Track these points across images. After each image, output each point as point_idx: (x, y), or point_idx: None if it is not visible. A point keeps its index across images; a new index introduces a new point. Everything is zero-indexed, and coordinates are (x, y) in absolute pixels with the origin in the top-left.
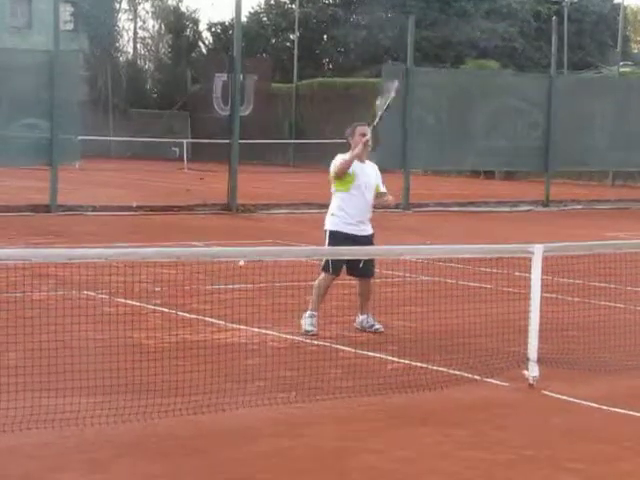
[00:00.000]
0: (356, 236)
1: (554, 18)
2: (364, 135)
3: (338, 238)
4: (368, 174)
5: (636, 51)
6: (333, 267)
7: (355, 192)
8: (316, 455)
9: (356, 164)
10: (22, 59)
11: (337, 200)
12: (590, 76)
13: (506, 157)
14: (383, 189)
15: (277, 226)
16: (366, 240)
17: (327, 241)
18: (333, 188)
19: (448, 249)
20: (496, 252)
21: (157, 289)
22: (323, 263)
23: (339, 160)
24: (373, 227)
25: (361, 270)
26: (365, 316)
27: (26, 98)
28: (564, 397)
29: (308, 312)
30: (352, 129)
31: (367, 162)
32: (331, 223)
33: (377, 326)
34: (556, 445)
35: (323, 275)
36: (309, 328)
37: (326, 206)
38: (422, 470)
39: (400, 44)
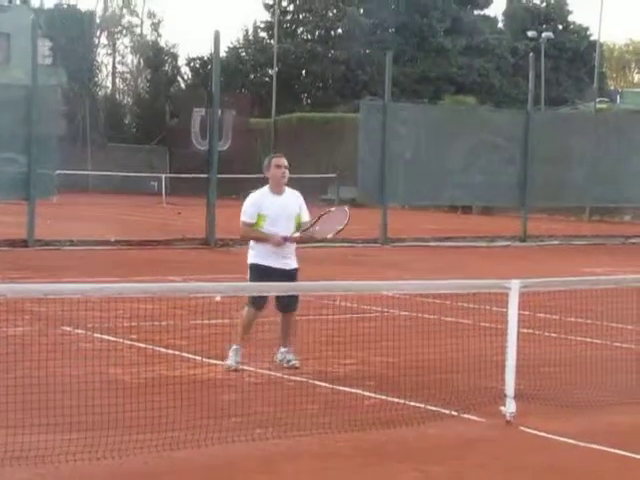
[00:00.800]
0: (277, 269)
1: (531, 54)
2: (279, 167)
3: (258, 271)
4: (285, 205)
5: (612, 88)
6: (259, 301)
7: (270, 228)
8: None
9: (270, 199)
10: (0, 93)
11: None
12: (567, 112)
13: (483, 192)
14: (306, 218)
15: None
16: (288, 274)
17: (249, 275)
18: None
19: (426, 284)
20: (473, 287)
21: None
22: (249, 297)
23: (252, 202)
24: (298, 261)
25: (285, 304)
26: (285, 349)
27: (3, 133)
28: (542, 433)
29: (234, 346)
30: (268, 161)
31: (287, 191)
32: (254, 256)
33: (293, 361)
34: None
35: (247, 309)
36: (232, 363)
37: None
38: None
39: (378, 79)
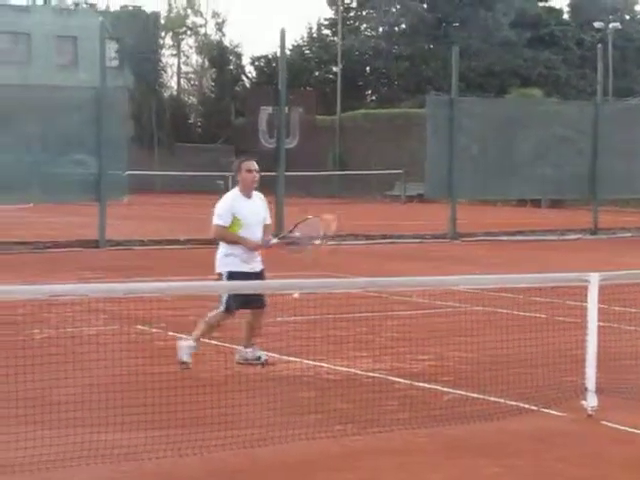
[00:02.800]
0: (251, 273)
1: (599, 45)
2: (250, 171)
3: (236, 278)
4: (255, 211)
5: None
6: (236, 305)
7: (244, 233)
8: None
9: (241, 203)
10: (69, 96)
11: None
12: (636, 103)
13: (552, 185)
14: (268, 221)
15: (325, 258)
16: (259, 276)
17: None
18: None
19: (504, 279)
20: (552, 281)
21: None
22: (225, 303)
23: (225, 206)
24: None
25: (259, 301)
26: (249, 350)
27: (73, 135)
28: (624, 427)
29: (191, 342)
30: (238, 164)
31: (254, 195)
32: (227, 264)
33: (264, 357)
34: (620, 476)
35: (221, 313)
36: (186, 359)
37: (372, 237)
38: None
39: (443, 74)
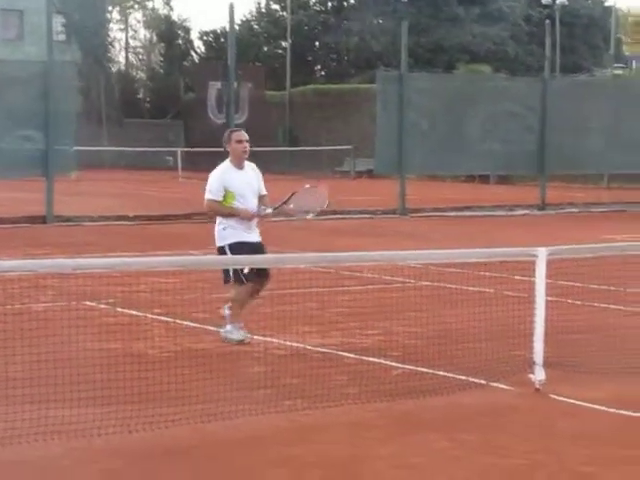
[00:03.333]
0: (251, 243)
1: (547, 21)
2: (240, 142)
3: (241, 248)
4: (248, 181)
5: (628, 53)
6: (248, 277)
7: (238, 204)
8: (327, 462)
9: (232, 174)
10: (16, 70)
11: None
12: (584, 79)
13: (501, 161)
14: (264, 192)
15: (276, 233)
16: (260, 246)
17: (228, 254)
18: None
19: (453, 254)
20: (500, 255)
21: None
22: (234, 277)
23: (216, 179)
24: (260, 234)
25: (264, 272)
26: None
27: (20, 110)
28: (571, 400)
29: (229, 326)
30: (228, 135)
31: (247, 166)
32: (227, 236)
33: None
34: (568, 449)
35: (239, 287)
36: (241, 337)
37: (322, 213)
38: (434, 476)
39: (392, 50)
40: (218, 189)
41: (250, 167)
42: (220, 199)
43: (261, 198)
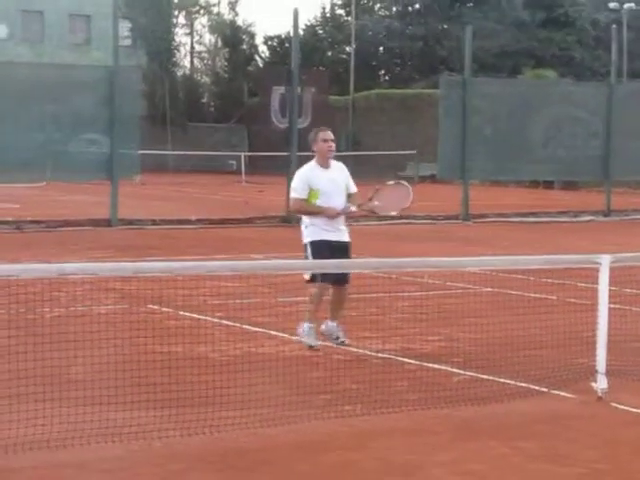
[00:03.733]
0: (335, 242)
1: (613, 26)
2: (326, 141)
3: (321, 247)
4: (333, 179)
5: None
6: (322, 275)
7: (324, 203)
8: (384, 468)
9: (318, 173)
10: (82, 75)
11: None
12: None
13: (566, 166)
14: (353, 189)
15: None
16: (344, 246)
17: (310, 253)
18: None
19: (516, 260)
20: (563, 262)
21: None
22: (308, 275)
23: (301, 178)
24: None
25: (339, 276)
26: (334, 324)
27: (86, 114)
28: (634, 409)
29: (306, 325)
30: (315, 134)
31: (332, 164)
32: (309, 234)
33: (342, 339)
34: (630, 458)
35: (314, 286)
36: (313, 343)
37: (385, 218)
38: None
39: (456, 55)
40: (303, 187)
41: (337, 166)
42: (305, 197)
43: (351, 196)
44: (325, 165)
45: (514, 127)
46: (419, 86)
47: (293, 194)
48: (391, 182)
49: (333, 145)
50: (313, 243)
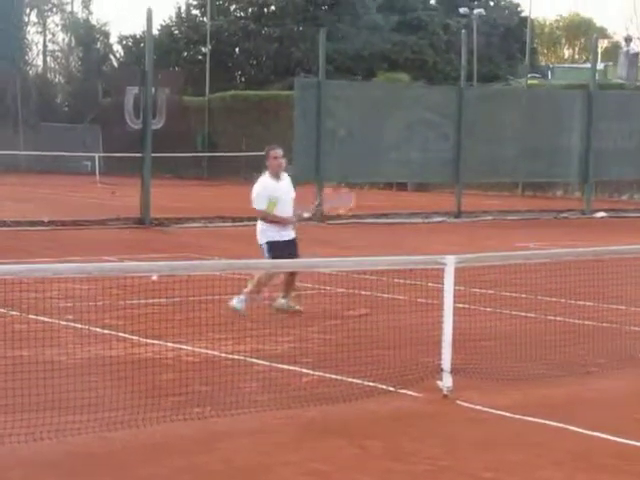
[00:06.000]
0: (289, 240)
1: (463, 31)
2: (277, 158)
3: (278, 246)
4: (286, 190)
5: (543, 63)
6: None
7: (279, 210)
8: (232, 470)
9: (274, 186)
10: None
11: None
12: (499, 88)
13: (418, 169)
14: (294, 195)
15: (191, 240)
16: (294, 240)
17: (268, 251)
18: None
19: (363, 261)
20: (409, 263)
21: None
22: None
23: (261, 191)
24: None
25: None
26: (286, 300)
27: None
28: (478, 407)
29: (242, 297)
30: (267, 152)
31: (282, 176)
32: (267, 236)
33: (299, 307)
34: (472, 455)
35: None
36: (240, 307)
37: (239, 219)
38: None
39: (312, 57)
40: (263, 199)
41: (286, 177)
42: (265, 207)
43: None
44: (277, 177)
45: (368, 129)
46: (275, 88)
47: (259, 206)
48: (343, 189)
49: (283, 161)
50: (270, 243)
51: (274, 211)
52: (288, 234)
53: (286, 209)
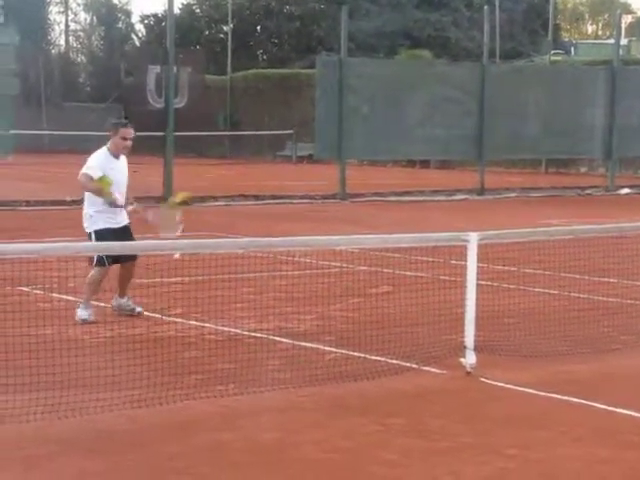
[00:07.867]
0: (119, 228)
1: (486, 7)
2: (126, 139)
3: (105, 234)
4: (121, 171)
5: (566, 40)
6: (110, 259)
7: (112, 190)
8: (255, 447)
9: (110, 163)
10: None
11: (93, 199)
12: (522, 64)
13: (441, 146)
14: (127, 182)
15: (213, 218)
16: (126, 228)
17: (94, 240)
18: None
19: (385, 239)
20: (432, 240)
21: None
22: (96, 258)
23: (99, 164)
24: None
25: (129, 254)
26: (125, 299)
27: None
28: (501, 384)
29: (82, 306)
30: (115, 127)
31: (121, 158)
32: (93, 224)
33: (138, 309)
34: (494, 432)
35: (98, 269)
36: (88, 317)
37: (262, 197)
38: (362, 459)
39: (333, 35)
40: (97, 170)
41: (124, 159)
42: (95, 178)
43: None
44: (117, 157)
45: (390, 107)
46: (297, 66)
47: (89, 171)
48: (168, 204)
49: (130, 143)
50: (97, 232)
51: (110, 191)
52: (119, 220)
53: (120, 192)
